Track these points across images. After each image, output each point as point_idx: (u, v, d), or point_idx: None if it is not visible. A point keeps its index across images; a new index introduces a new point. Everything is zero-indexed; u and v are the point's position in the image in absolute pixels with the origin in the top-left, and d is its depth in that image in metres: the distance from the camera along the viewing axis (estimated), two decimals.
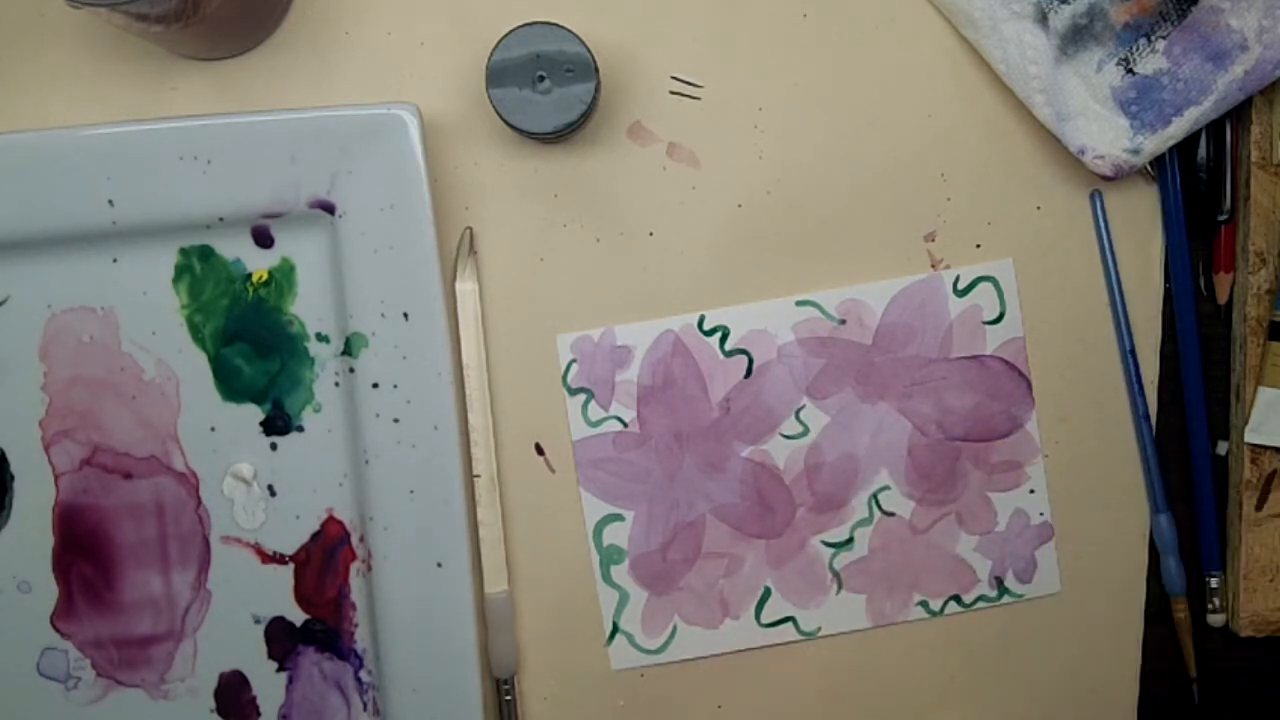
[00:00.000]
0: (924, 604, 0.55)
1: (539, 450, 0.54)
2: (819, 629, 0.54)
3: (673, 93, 0.53)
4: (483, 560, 0.52)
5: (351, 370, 0.51)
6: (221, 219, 0.50)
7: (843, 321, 0.54)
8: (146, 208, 0.49)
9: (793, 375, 0.54)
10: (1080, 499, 0.55)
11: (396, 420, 0.50)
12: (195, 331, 0.51)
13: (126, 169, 0.49)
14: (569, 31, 0.49)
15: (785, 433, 0.54)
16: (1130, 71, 0.51)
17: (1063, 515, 0.55)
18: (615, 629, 0.54)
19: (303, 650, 0.52)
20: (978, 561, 0.55)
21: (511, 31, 0.49)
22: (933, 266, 0.54)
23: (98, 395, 0.51)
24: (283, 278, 0.51)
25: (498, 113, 0.49)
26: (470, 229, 0.53)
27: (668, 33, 0.53)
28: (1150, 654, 0.55)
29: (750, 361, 0.54)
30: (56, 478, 0.51)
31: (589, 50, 0.49)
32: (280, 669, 0.52)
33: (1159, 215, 0.54)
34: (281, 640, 0.52)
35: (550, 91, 0.49)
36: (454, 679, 0.50)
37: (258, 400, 0.52)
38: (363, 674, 0.52)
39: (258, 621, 0.52)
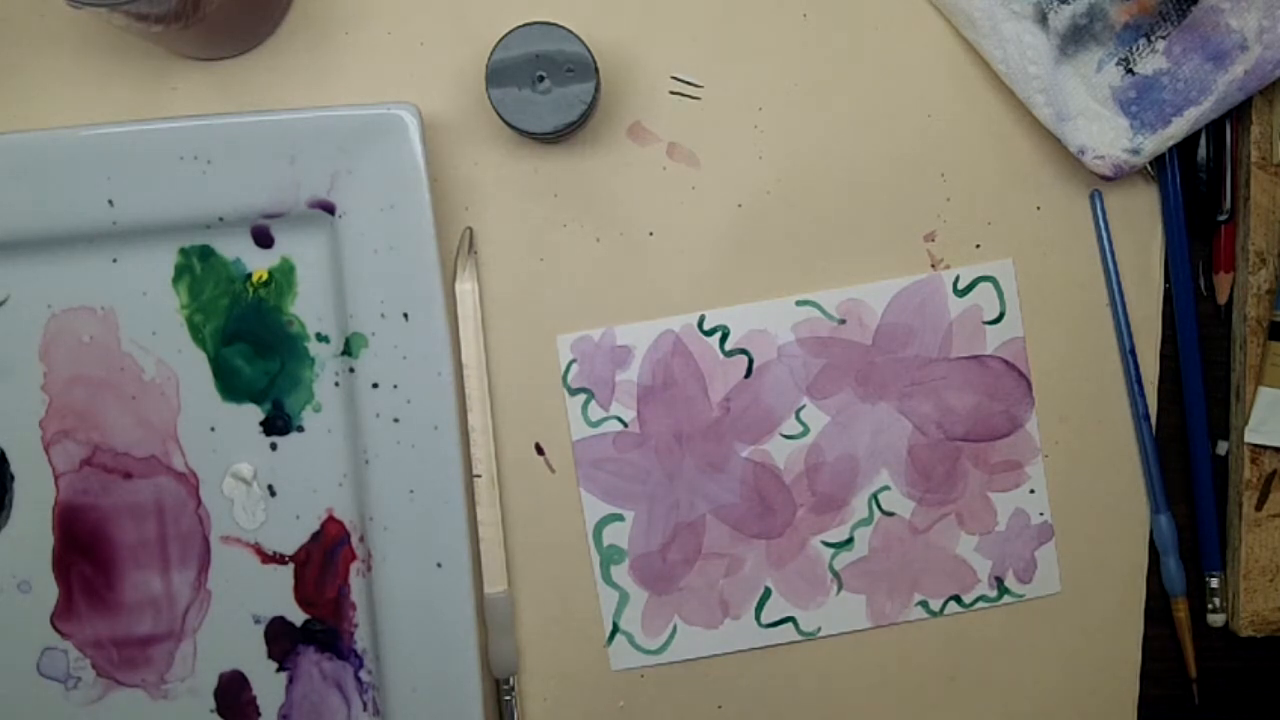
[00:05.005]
0: (924, 604, 0.55)
1: (539, 450, 0.54)
2: (819, 629, 0.54)
3: (673, 93, 0.53)
4: (483, 560, 0.52)
5: (351, 370, 0.51)
6: (221, 219, 0.50)
7: (843, 321, 0.54)
8: (146, 208, 0.49)
9: (793, 375, 0.54)
10: (1080, 499, 0.55)
11: (396, 420, 0.50)
12: (195, 331, 0.51)
13: (126, 169, 0.49)
14: (569, 31, 0.49)
15: (785, 433, 0.54)
16: (1130, 71, 0.51)
17: (1063, 515, 0.55)
18: (615, 629, 0.54)
19: (303, 650, 0.52)
20: (978, 561, 0.55)
21: (511, 31, 0.49)
22: (933, 266, 0.54)
23: (98, 395, 0.51)
24: (283, 278, 0.51)
25: (498, 113, 0.49)
26: (470, 229, 0.53)
27: (668, 33, 0.53)
28: (1150, 654, 0.55)
29: (750, 361, 0.54)
30: (56, 478, 0.51)
31: (589, 50, 0.49)
32: (280, 669, 0.52)
33: (1159, 215, 0.54)
34: (281, 640, 0.52)
35: (550, 91, 0.49)
36: (454, 679, 0.50)
37: (258, 400, 0.52)
38: (363, 674, 0.52)
39: (258, 621, 0.52)
